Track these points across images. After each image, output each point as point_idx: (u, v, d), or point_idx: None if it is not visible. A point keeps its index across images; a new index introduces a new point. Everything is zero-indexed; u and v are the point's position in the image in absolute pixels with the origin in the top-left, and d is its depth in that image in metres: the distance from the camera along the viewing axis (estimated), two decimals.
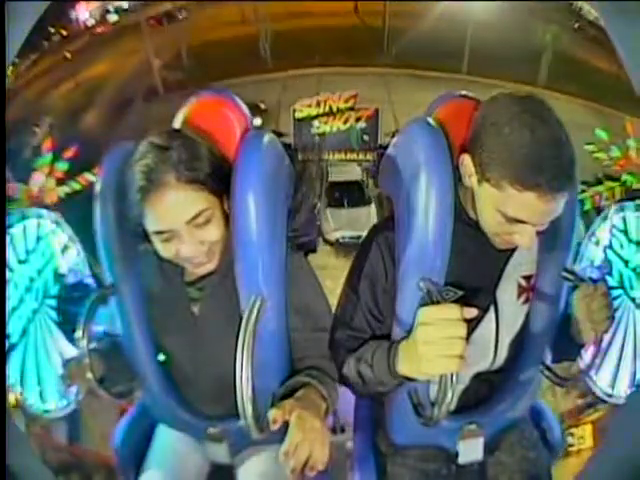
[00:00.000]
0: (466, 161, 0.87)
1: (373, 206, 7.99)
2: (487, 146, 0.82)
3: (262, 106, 9.71)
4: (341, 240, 7.55)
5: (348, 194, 8.09)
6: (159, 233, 0.89)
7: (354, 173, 8.54)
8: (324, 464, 0.78)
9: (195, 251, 0.91)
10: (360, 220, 7.58)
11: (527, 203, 0.80)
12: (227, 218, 0.94)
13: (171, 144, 0.87)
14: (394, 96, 10.07)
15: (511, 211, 0.82)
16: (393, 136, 1.02)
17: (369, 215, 7.79)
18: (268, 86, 10.38)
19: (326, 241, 7.65)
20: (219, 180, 0.91)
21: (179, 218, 0.87)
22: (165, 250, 0.91)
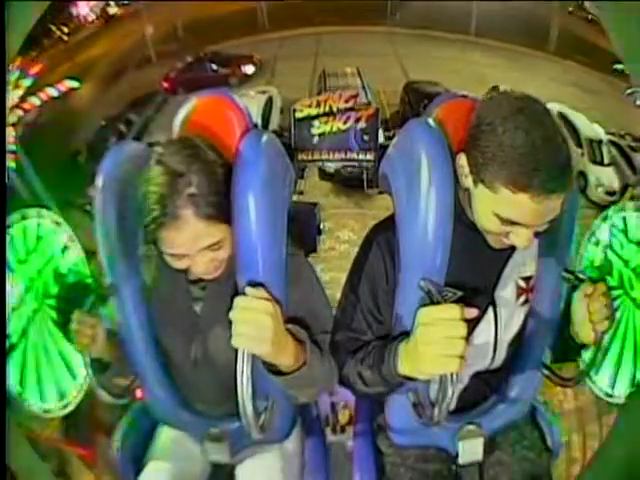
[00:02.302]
0: (462, 161, 0.87)
1: (381, 131, 7.29)
2: (482, 146, 0.81)
3: (256, 56, 9.56)
4: (342, 170, 7.05)
5: None
6: (172, 254, 0.89)
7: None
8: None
9: (206, 269, 0.92)
10: None
11: (521, 204, 0.79)
12: None
13: (187, 170, 0.83)
14: (401, 51, 9.81)
15: (505, 212, 0.82)
16: (393, 136, 1.02)
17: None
18: (265, 45, 10.14)
19: (324, 175, 7.16)
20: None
21: (194, 247, 0.87)
22: (176, 264, 0.91)
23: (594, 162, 7.35)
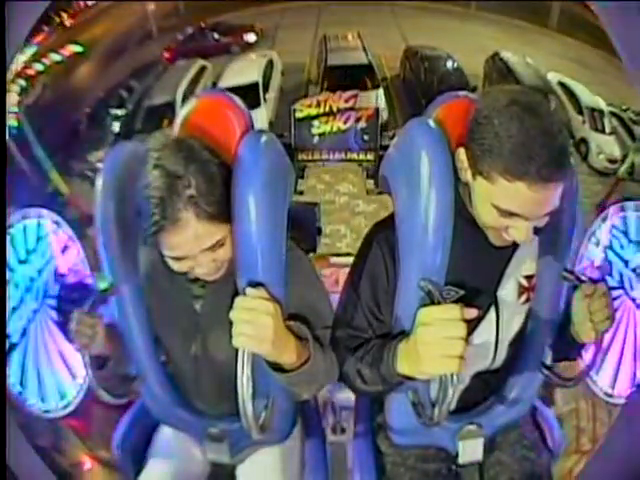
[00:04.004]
0: (461, 155, 0.88)
1: (382, 90, 7.38)
2: (479, 138, 0.82)
3: (257, 25, 9.59)
4: None
5: (351, 78, 7.27)
6: (173, 257, 0.89)
7: (359, 56, 7.89)
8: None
9: (208, 269, 0.91)
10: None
11: (518, 194, 0.79)
12: None
13: (185, 171, 0.83)
14: (402, 22, 9.79)
15: (503, 203, 0.82)
16: (394, 136, 1.02)
17: (377, 99, 7.07)
18: (266, 17, 10.08)
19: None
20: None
21: (196, 248, 0.87)
22: (178, 267, 0.91)
23: (595, 130, 7.30)
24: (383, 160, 1.04)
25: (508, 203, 0.82)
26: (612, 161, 6.98)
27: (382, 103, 7.26)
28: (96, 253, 1.01)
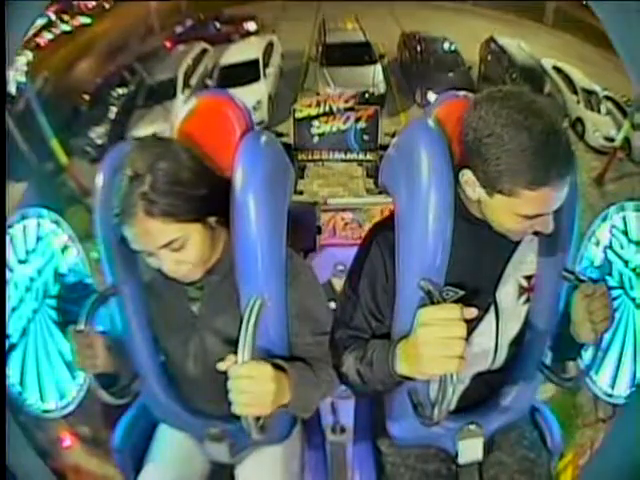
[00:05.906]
0: (467, 177, 0.87)
1: (379, 66, 7.47)
2: (491, 159, 0.81)
3: (258, 16, 9.81)
4: None
5: (350, 54, 7.45)
6: (139, 251, 0.90)
7: (356, 35, 8.07)
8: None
9: (174, 270, 0.91)
10: (365, 79, 6.81)
11: (544, 198, 0.82)
12: (213, 234, 0.93)
13: (148, 168, 0.83)
14: (400, 16, 9.99)
15: (530, 211, 0.84)
16: (393, 136, 1.02)
17: (375, 73, 7.13)
18: (266, 11, 10.27)
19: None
20: (200, 206, 0.88)
21: (151, 244, 0.87)
22: (149, 262, 0.92)
23: (591, 110, 7.34)
24: (383, 160, 1.04)
25: (535, 209, 0.83)
26: (609, 139, 7.01)
27: (379, 77, 7.30)
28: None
